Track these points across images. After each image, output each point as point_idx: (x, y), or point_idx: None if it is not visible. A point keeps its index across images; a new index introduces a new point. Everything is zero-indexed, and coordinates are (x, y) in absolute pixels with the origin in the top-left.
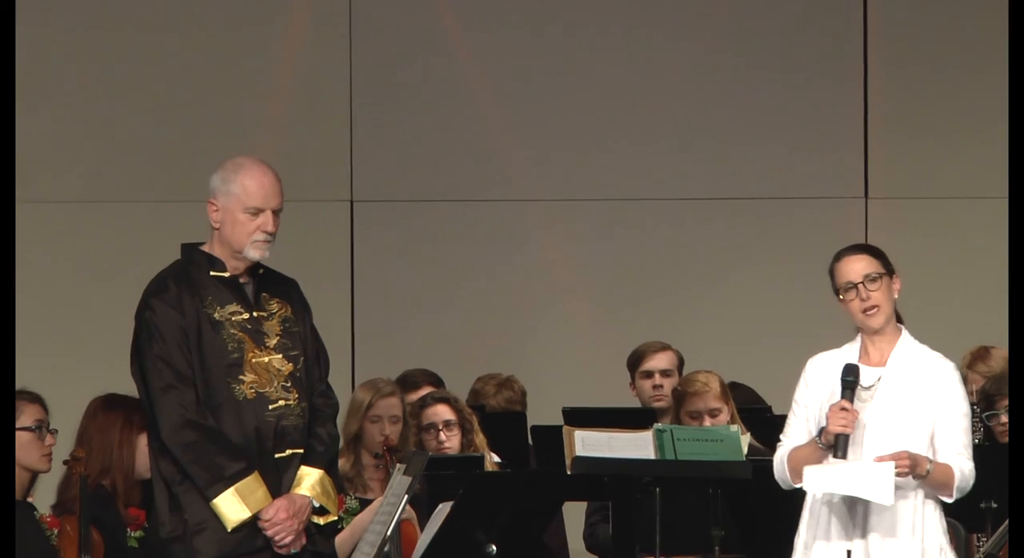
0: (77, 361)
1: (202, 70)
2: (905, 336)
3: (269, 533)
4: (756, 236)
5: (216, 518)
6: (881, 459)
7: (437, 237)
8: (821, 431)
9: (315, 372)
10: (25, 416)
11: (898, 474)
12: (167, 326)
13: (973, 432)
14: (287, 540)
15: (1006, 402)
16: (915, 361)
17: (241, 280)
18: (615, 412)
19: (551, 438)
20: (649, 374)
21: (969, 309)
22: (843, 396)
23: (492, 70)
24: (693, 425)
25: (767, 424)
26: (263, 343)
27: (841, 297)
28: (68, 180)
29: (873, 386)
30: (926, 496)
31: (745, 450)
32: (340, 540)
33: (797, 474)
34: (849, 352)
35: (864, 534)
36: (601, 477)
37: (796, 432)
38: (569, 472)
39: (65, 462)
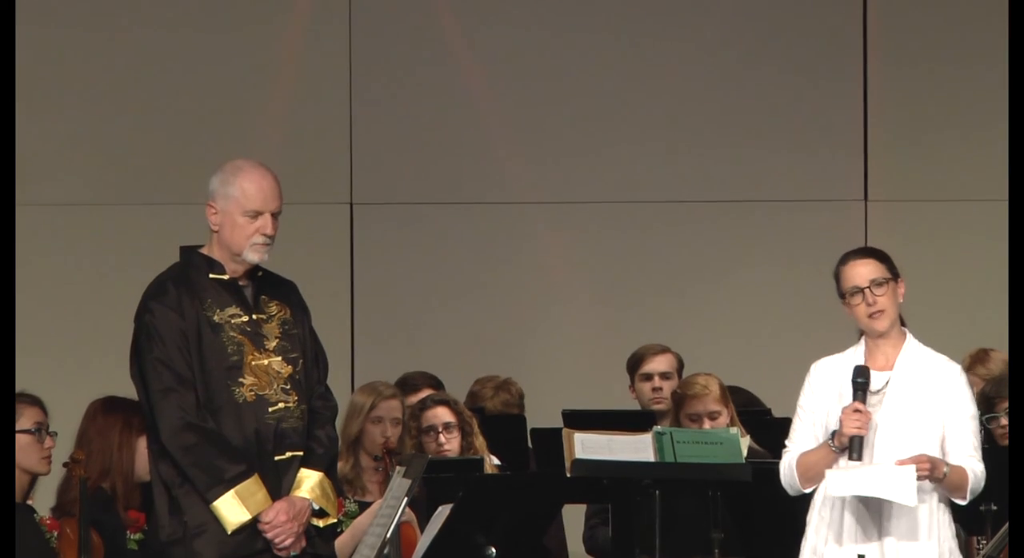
0: (77, 364)
1: (201, 72)
2: (910, 339)
3: (269, 535)
4: (755, 239)
5: (216, 521)
6: (902, 463)
7: (437, 239)
8: (834, 434)
9: (314, 374)
10: (25, 418)
11: (919, 477)
12: (167, 329)
13: None
14: (287, 542)
15: (1006, 404)
16: (922, 364)
17: (240, 283)
18: (615, 415)
19: (551, 440)
20: (649, 377)
21: (968, 312)
22: (855, 398)
23: (492, 73)
24: (693, 427)
25: (767, 426)
26: (262, 345)
27: (846, 301)
28: (67, 183)
29: (881, 390)
30: (939, 499)
31: (745, 453)
32: (340, 543)
33: (807, 479)
34: (853, 356)
35: (880, 537)
36: (601, 480)
37: (803, 437)
38: (569, 474)
39: (65, 464)
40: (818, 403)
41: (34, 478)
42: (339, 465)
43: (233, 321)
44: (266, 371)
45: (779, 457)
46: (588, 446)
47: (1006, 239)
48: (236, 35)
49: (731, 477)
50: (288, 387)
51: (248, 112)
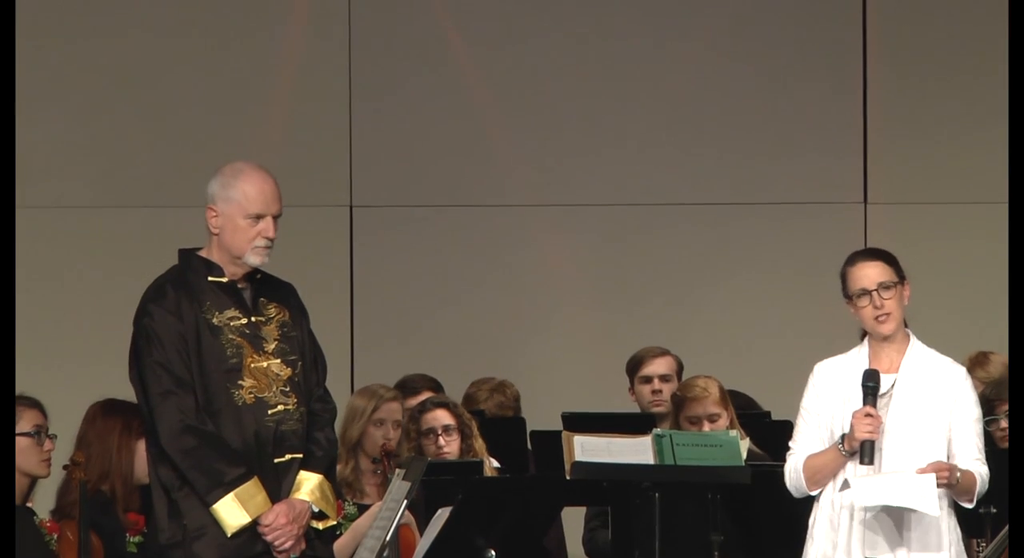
0: (76, 366)
1: (201, 76)
2: (915, 342)
3: (269, 538)
4: (755, 241)
5: (215, 523)
6: (923, 471)
7: (436, 242)
8: (843, 438)
9: (313, 377)
10: (24, 421)
11: (939, 485)
12: (166, 332)
13: None
14: (287, 545)
15: (1005, 407)
16: (927, 367)
17: (239, 285)
18: (614, 417)
19: (550, 443)
20: (648, 379)
21: (968, 314)
22: (865, 402)
23: (492, 75)
24: (692, 430)
25: (766, 429)
26: (262, 348)
27: (852, 302)
28: (67, 186)
29: (887, 393)
30: (948, 504)
31: (744, 455)
32: (339, 545)
33: (814, 482)
34: (857, 358)
35: (893, 546)
36: (600, 482)
37: (807, 439)
38: (568, 477)
39: (64, 467)
40: (822, 405)
41: (34, 481)
42: (338, 468)
43: (232, 324)
44: (265, 373)
45: (779, 460)
46: (588, 449)
47: (1006, 242)
48: (236, 38)
49: (731, 480)
50: (287, 389)
51: (248, 115)
